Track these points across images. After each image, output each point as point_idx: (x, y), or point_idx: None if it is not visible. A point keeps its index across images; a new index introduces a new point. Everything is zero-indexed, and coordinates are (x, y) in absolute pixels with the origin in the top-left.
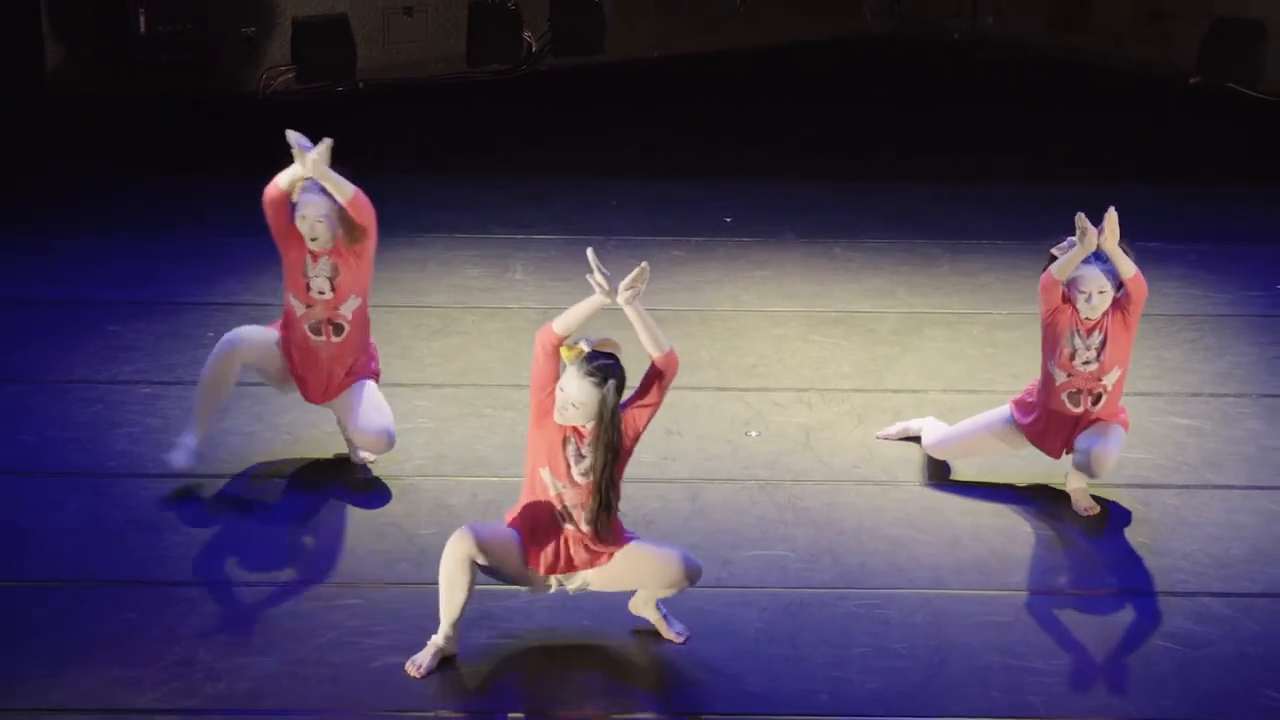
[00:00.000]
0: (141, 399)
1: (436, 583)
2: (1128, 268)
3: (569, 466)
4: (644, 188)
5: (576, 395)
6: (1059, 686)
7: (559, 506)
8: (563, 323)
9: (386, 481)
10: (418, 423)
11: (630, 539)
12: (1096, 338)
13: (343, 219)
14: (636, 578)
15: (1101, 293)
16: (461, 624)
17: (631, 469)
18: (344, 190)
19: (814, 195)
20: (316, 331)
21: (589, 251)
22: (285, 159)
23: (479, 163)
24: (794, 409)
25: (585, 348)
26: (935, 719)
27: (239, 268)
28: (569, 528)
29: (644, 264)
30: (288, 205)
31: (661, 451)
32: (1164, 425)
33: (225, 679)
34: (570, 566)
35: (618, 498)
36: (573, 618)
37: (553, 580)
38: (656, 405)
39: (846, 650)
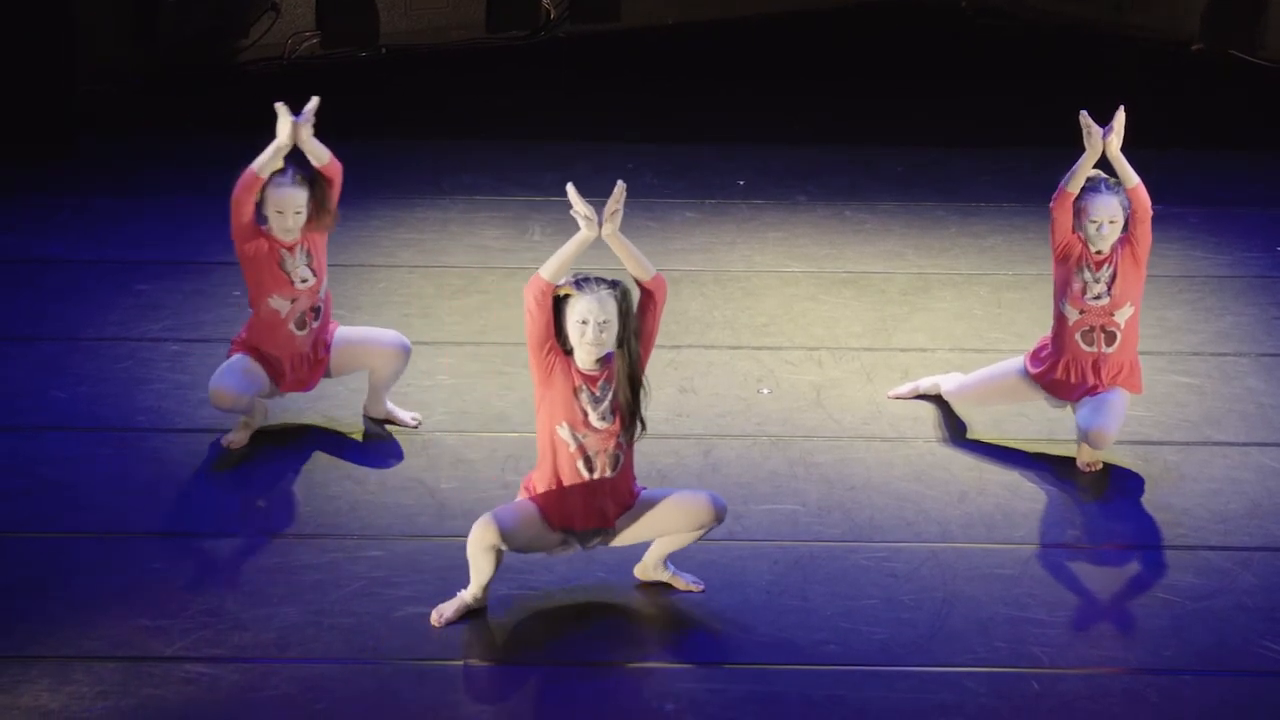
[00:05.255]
0: (169, 356)
1: (457, 535)
2: (1130, 176)
3: (586, 414)
4: (659, 152)
5: (603, 312)
6: (1062, 638)
7: (580, 459)
8: (551, 269)
9: (408, 437)
10: (439, 380)
11: (642, 490)
12: (1106, 271)
13: (314, 202)
14: (663, 523)
15: (1112, 222)
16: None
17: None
18: (322, 154)
19: (826, 160)
20: (301, 325)
21: (569, 186)
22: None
23: (498, 127)
24: (805, 367)
25: (570, 280)
26: (941, 668)
27: None
28: (594, 477)
29: (620, 182)
30: (255, 199)
31: (675, 408)
32: (1165, 384)
33: (251, 628)
34: (596, 520)
35: (644, 400)
36: (590, 570)
37: (572, 540)
38: (654, 333)
39: (855, 602)
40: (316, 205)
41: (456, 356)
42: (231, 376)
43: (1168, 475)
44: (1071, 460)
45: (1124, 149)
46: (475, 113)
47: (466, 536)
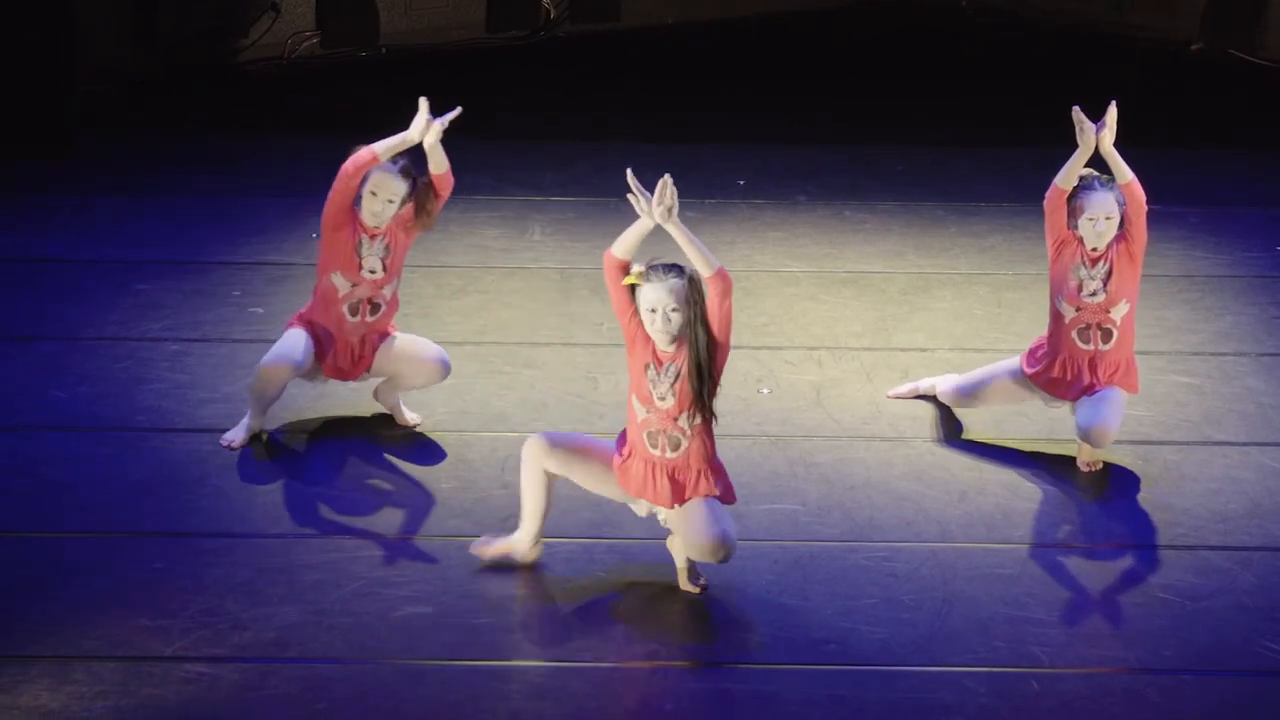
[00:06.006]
0: (169, 356)
1: (457, 535)
2: (1124, 172)
3: (650, 392)
4: (659, 152)
5: (670, 299)
6: (1062, 637)
7: (645, 433)
8: (621, 246)
9: (408, 437)
10: None
11: (719, 494)
12: (1101, 268)
13: (415, 201)
14: (682, 531)
15: (1109, 218)
16: (543, 530)
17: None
18: (442, 163)
19: (826, 160)
20: (354, 312)
21: (628, 172)
22: (307, 124)
23: (498, 127)
24: (805, 367)
25: (642, 267)
26: (941, 668)
27: (264, 228)
28: (655, 454)
29: (666, 176)
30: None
31: None
32: (1165, 383)
33: (251, 628)
34: (650, 495)
35: (714, 391)
36: (588, 569)
37: (644, 505)
38: (725, 326)
39: (855, 601)
40: (416, 207)
41: (456, 356)
42: (283, 350)
43: (1167, 475)
44: (1071, 460)
45: (1122, 148)
46: (475, 113)
47: (466, 537)
